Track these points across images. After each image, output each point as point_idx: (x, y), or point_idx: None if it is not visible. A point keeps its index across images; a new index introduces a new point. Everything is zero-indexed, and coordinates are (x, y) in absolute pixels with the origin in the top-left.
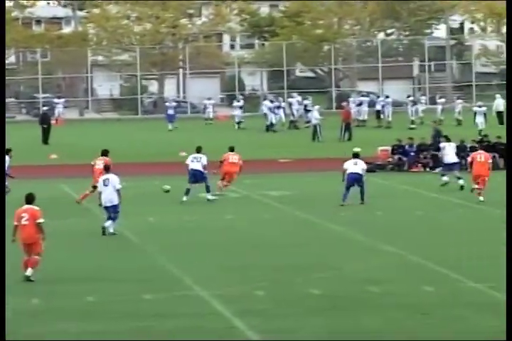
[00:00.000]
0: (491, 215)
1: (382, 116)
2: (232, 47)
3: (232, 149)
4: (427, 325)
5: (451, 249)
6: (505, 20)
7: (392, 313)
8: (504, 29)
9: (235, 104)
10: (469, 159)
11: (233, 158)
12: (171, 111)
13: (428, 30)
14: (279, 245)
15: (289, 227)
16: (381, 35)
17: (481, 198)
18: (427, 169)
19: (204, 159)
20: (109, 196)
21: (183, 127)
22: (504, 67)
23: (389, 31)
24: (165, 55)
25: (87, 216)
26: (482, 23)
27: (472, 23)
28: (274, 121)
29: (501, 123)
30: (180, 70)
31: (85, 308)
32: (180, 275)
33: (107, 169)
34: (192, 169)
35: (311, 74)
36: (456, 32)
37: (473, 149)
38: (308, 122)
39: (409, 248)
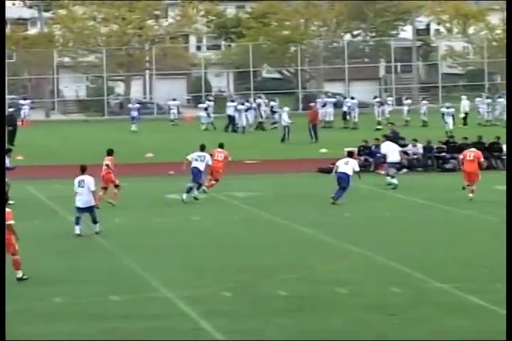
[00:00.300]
0: (457, 216)
1: (348, 117)
2: (199, 48)
3: (221, 146)
4: (395, 325)
5: (417, 249)
6: (471, 21)
7: (359, 314)
8: (470, 30)
9: (201, 105)
10: (460, 157)
11: (219, 155)
12: (134, 113)
13: (394, 32)
14: (246, 246)
15: (256, 228)
16: (347, 37)
17: (471, 195)
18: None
19: (208, 159)
20: (84, 197)
21: (149, 128)
22: (470, 68)
23: (355, 32)
24: (131, 56)
25: (54, 217)
26: (448, 25)
27: (438, 24)
28: (244, 123)
29: (465, 124)
30: (147, 71)
31: (53, 310)
32: (148, 277)
33: (83, 170)
34: (194, 167)
35: (277, 76)
36: (422, 33)
37: (440, 150)
38: (274, 123)
39: (376, 249)
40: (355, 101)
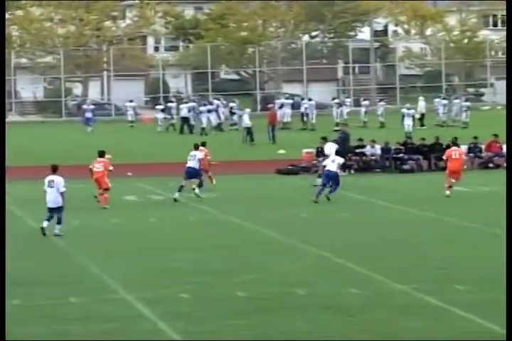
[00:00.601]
0: (415, 217)
1: (306, 118)
2: (157, 49)
3: (203, 144)
4: (352, 326)
5: (375, 250)
6: (428, 23)
7: (317, 315)
8: (428, 31)
9: (158, 107)
10: (445, 156)
11: (198, 154)
12: (88, 114)
13: (352, 33)
14: (205, 247)
15: (215, 230)
16: (306, 38)
17: (448, 192)
18: (352, 171)
19: (199, 155)
20: (53, 198)
21: (107, 129)
22: (428, 69)
23: (313, 33)
24: (89, 57)
25: (10, 218)
26: (406, 26)
27: (396, 25)
28: (205, 124)
29: (422, 125)
30: (105, 72)
31: (11, 312)
32: (106, 279)
33: (54, 170)
34: (186, 167)
35: (235, 77)
36: (380, 34)
37: (398, 151)
38: (234, 124)
39: (334, 250)
40: (312, 102)
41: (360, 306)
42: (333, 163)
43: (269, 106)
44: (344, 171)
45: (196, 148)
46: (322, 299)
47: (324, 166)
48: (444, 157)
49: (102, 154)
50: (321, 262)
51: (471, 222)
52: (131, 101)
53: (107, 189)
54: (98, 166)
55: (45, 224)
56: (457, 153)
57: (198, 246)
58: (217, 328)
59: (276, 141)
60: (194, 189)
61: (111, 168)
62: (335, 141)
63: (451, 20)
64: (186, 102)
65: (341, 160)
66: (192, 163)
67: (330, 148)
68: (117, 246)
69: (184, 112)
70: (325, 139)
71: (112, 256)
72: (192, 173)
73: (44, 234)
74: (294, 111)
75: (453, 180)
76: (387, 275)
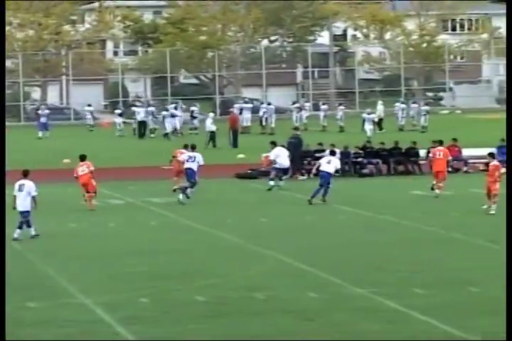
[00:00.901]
0: (374, 220)
1: (265, 122)
2: (116, 53)
3: (186, 147)
4: (312, 330)
5: (335, 254)
6: (387, 27)
7: (276, 319)
8: (387, 36)
9: (117, 111)
10: (430, 156)
11: (198, 156)
12: (43, 119)
13: (311, 37)
14: (164, 252)
15: (174, 234)
16: (265, 42)
17: (438, 191)
18: (311, 175)
19: (199, 158)
20: (22, 201)
21: (66, 134)
22: (387, 73)
23: (273, 38)
24: (48, 61)
25: None
26: (365, 30)
27: (355, 29)
28: (169, 129)
29: (381, 129)
30: (64, 77)
31: None
32: (64, 283)
33: (25, 175)
34: (188, 168)
35: (195, 81)
36: (339, 39)
37: (357, 155)
38: (194, 129)
39: (293, 254)
40: (271, 106)
41: (319, 310)
42: (328, 164)
43: (231, 110)
44: (303, 175)
45: (193, 148)
46: (282, 303)
47: (318, 167)
48: (430, 156)
49: (83, 158)
50: (280, 266)
51: (430, 226)
52: (89, 105)
53: (95, 192)
54: (82, 169)
55: (16, 234)
56: (441, 153)
57: (157, 251)
58: (176, 332)
59: (237, 145)
60: (175, 190)
61: (92, 168)
62: (286, 146)
63: (410, 24)
64: (142, 106)
65: (337, 161)
66: (191, 165)
67: (276, 153)
68: (76, 250)
69: (141, 116)
70: (274, 144)
71: (71, 261)
72: (189, 175)
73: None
74: (253, 116)
75: (440, 184)
76: (346, 279)
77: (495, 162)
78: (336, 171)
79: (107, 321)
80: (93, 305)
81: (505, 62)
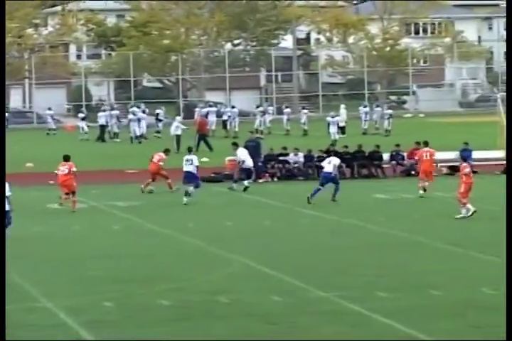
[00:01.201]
0: (338, 224)
1: (229, 126)
2: (79, 57)
3: (166, 151)
4: (276, 334)
5: (299, 258)
6: (351, 31)
7: (240, 323)
8: (350, 39)
9: (80, 115)
10: (417, 157)
11: (155, 157)
12: None
13: (275, 41)
14: (127, 255)
15: (138, 238)
16: (228, 46)
17: (421, 192)
18: (275, 179)
19: (195, 160)
20: None
21: (29, 138)
22: (350, 77)
23: (236, 41)
24: (11, 65)
25: None
26: (328, 34)
27: (318, 33)
28: (137, 133)
29: (344, 133)
30: (26, 80)
31: None
32: (27, 287)
33: None
34: (185, 171)
35: (158, 85)
36: (302, 42)
37: (320, 159)
38: (158, 132)
39: (257, 258)
40: (235, 110)
41: (283, 313)
42: (329, 164)
43: (199, 114)
44: (260, 178)
45: (190, 150)
46: (245, 307)
47: (321, 168)
48: (417, 157)
49: (67, 158)
50: (244, 270)
51: (394, 230)
52: (49, 109)
53: (74, 192)
54: (63, 169)
55: None
56: (428, 153)
57: (121, 255)
58: (140, 336)
59: (201, 148)
60: (187, 194)
61: (74, 168)
62: (246, 148)
63: (373, 28)
64: (104, 110)
65: (337, 161)
66: (189, 168)
67: (241, 152)
68: (40, 254)
69: (102, 120)
70: (236, 145)
71: (34, 264)
72: (189, 177)
73: None
74: (216, 119)
75: (426, 183)
76: (310, 282)
77: (464, 164)
78: (340, 166)
79: (71, 325)
80: (56, 309)
81: (468, 66)
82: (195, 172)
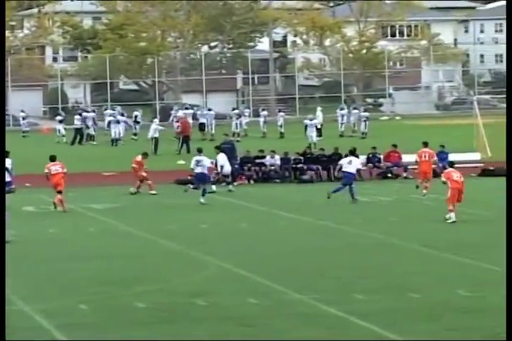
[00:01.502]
0: (314, 226)
1: (206, 129)
2: (55, 59)
3: (145, 154)
4: (252, 336)
5: (276, 260)
6: (327, 33)
7: (217, 326)
8: (326, 42)
9: (57, 118)
10: (416, 158)
11: (206, 160)
12: None
13: (251, 43)
14: (104, 258)
15: (114, 240)
16: (205, 48)
17: (425, 191)
18: (251, 181)
19: (207, 161)
20: None
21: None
22: (327, 79)
23: (212, 44)
24: None
25: None
26: (305, 36)
27: (295, 36)
28: (116, 135)
29: (320, 135)
30: None
31: None
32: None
33: None
34: (198, 173)
35: (134, 87)
36: (279, 45)
37: (297, 161)
38: (135, 135)
39: (234, 260)
40: (212, 112)
41: (259, 316)
42: (349, 164)
43: (182, 117)
44: (236, 181)
45: (199, 151)
46: (222, 309)
47: (341, 168)
48: (417, 158)
49: (53, 158)
50: (221, 273)
51: (370, 232)
52: (22, 111)
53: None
54: (56, 168)
55: None
56: (427, 154)
57: (96, 257)
58: (117, 339)
59: (183, 151)
60: (213, 191)
61: (65, 169)
62: (223, 151)
63: (350, 30)
64: (80, 114)
65: (358, 161)
66: (200, 169)
67: (221, 158)
68: (16, 256)
69: (78, 124)
70: (219, 149)
71: (9, 267)
72: (202, 178)
73: None
74: (193, 122)
75: (420, 181)
76: (288, 285)
77: (450, 169)
78: (357, 170)
79: (47, 328)
80: (33, 312)
81: (444, 68)
82: (206, 172)
